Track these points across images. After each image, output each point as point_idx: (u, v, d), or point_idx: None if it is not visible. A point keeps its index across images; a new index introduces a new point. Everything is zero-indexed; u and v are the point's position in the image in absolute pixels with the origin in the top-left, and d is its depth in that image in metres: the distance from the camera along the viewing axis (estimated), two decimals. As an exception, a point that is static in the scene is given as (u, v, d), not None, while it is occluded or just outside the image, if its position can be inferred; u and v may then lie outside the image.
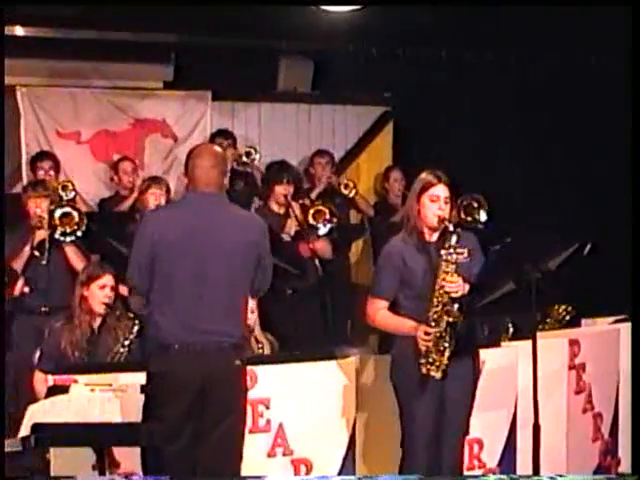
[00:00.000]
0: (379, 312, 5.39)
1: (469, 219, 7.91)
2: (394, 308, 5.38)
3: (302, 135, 9.94)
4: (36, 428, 4.83)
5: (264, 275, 5.21)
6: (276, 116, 9.92)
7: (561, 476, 5.57)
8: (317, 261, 7.85)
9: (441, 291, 5.18)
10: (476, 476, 5.98)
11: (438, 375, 5.19)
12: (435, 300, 5.18)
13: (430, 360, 5.18)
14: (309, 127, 9.99)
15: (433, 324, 5.17)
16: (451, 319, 5.16)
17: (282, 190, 8.06)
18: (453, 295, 5.17)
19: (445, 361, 5.18)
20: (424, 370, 5.20)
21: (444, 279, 5.18)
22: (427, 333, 5.16)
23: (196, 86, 9.69)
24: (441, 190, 5.33)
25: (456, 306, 5.16)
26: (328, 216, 7.98)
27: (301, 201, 8.27)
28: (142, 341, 6.21)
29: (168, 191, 7.86)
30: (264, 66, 9.83)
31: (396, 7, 7.69)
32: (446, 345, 5.17)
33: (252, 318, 6.25)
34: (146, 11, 7.89)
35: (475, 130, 8.99)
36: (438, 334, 5.15)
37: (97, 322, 6.38)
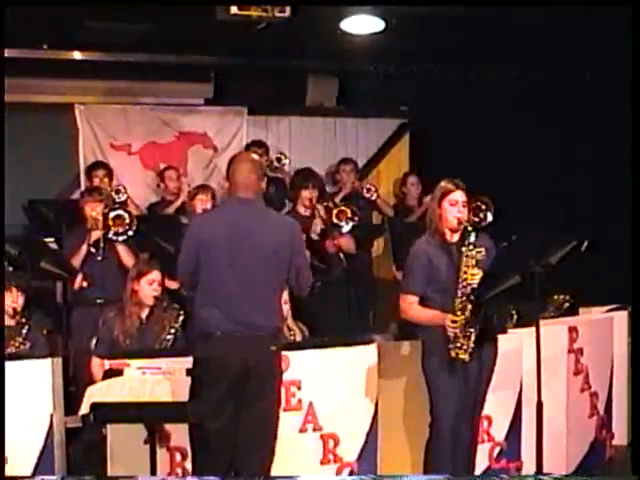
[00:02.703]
0: (412, 306, 5.41)
1: (476, 219, 7.87)
2: (422, 301, 5.40)
3: (328, 145, 9.95)
4: (94, 407, 4.86)
5: (300, 272, 5.17)
6: (305, 128, 9.93)
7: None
8: (342, 256, 7.86)
9: (464, 283, 5.23)
10: (502, 476, 5.95)
11: (466, 357, 5.23)
12: (459, 292, 5.23)
13: (458, 345, 5.22)
14: (334, 138, 10.00)
15: (459, 313, 5.21)
16: (475, 308, 5.20)
17: (308, 194, 8.08)
18: (475, 287, 5.20)
19: (472, 344, 5.22)
20: (453, 354, 5.23)
21: (466, 272, 5.23)
22: (454, 321, 5.20)
23: (233, 102, 9.73)
24: (459, 195, 5.38)
25: (478, 296, 5.19)
26: (350, 215, 7.96)
27: (325, 203, 8.25)
28: (186, 330, 6.24)
29: (214, 197, 7.86)
30: (294, 84, 9.84)
31: (412, 30, 7.68)
32: (472, 330, 5.21)
33: (285, 308, 6.24)
34: (189, 36, 7.93)
35: (483, 139, 8.96)
36: (464, 321, 5.19)
37: (145, 313, 6.39)
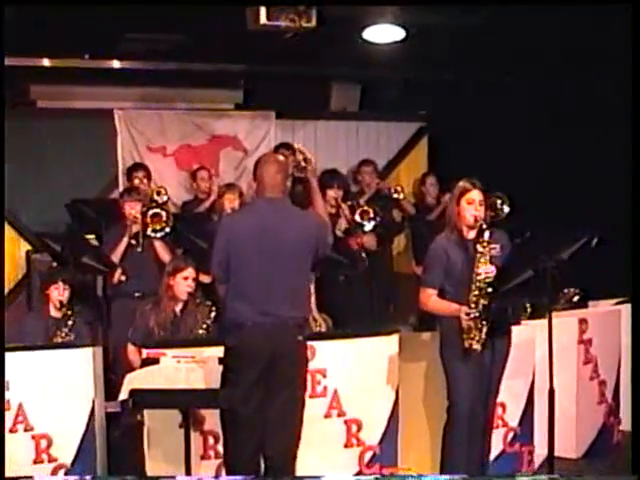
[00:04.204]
0: (430, 299, 5.40)
1: (493, 214, 7.82)
2: (440, 293, 5.39)
3: (351, 147, 9.92)
4: (133, 393, 4.89)
5: (327, 251, 5.24)
6: (329, 132, 9.91)
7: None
8: (364, 253, 7.84)
9: (478, 278, 5.22)
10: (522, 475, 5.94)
11: (478, 348, 5.22)
12: (474, 286, 5.22)
13: (471, 336, 5.21)
14: (357, 141, 9.98)
15: (472, 306, 5.20)
16: (487, 302, 5.18)
17: (333, 194, 8.04)
18: (488, 282, 5.19)
19: (483, 336, 5.20)
20: (466, 344, 5.22)
21: (479, 268, 5.22)
22: (468, 314, 5.19)
23: (262, 107, 9.72)
24: (476, 195, 5.37)
25: (490, 290, 5.18)
26: (372, 215, 7.95)
27: (349, 202, 8.24)
28: (219, 324, 6.22)
29: (241, 195, 7.86)
30: (319, 90, 9.83)
31: (430, 39, 7.67)
32: (484, 323, 5.19)
33: (311, 301, 6.23)
34: (221, 45, 7.95)
35: (497, 141, 8.94)
36: (477, 314, 5.18)
37: (179, 307, 6.38)
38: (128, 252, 7.34)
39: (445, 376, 5.41)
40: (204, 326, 6.24)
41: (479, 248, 5.25)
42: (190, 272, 6.36)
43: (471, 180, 5.43)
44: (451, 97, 9.34)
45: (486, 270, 5.22)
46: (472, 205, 5.34)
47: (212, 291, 6.47)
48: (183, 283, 6.33)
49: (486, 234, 5.25)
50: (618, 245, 6.89)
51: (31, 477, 5.16)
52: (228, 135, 9.65)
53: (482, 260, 5.23)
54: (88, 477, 5.31)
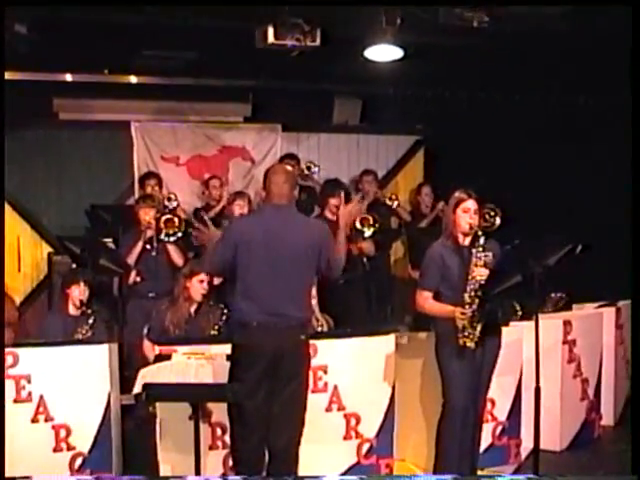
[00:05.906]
0: (427, 301, 5.39)
1: (485, 224, 7.83)
2: (436, 296, 5.39)
3: (352, 158, 9.93)
4: (146, 387, 4.88)
5: (330, 263, 5.13)
6: (332, 143, 9.92)
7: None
8: (364, 258, 7.84)
9: (473, 280, 5.22)
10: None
11: (472, 345, 5.22)
12: (469, 288, 5.21)
13: (466, 334, 5.21)
14: (358, 152, 9.98)
15: (467, 306, 5.20)
16: (481, 302, 5.19)
17: (335, 202, 8.01)
18: (482, 283, 5.20)
19: (477, 334, 5.20)
20: (461, 342, 5.22)
21: (474, 271, 5.22)
22: (463, 313, 5.19)
23: (269, 120, 9.73)
24: (471, 204, 5.37)
25: (484, 292, 5.19)
26: (372, 222, 7.93)
27: (350, 210, 8.22)
28: (229, 326, 6.21)
29: (249, 202, 7.88)
30: (322, 104, 9.85)
31: (427, 58, 7.69)
32: (478, 322, 5.20)
33: (313, 302, 6.24)
34: (230, 62, 7.97)
35: (489, 153, 8.95)
36: (471, 314, 5.18)
37: (194, 308, 6.38)
38: (143, 255, 7.36)
39: (440, 374, 5.39)
40: (216, 327, 6.23)
41: (474, 252, 5.26)
42: (205, 275, 6.36)
43: (467, 190, 5.44)
44: (446, 112, 9.36)
45: (481, 273, 5.22)
46: (467, 214, 5.35)
47: (225, 294, 6.48)
48: (198, 285, 6.34)
49: (482, 240, 5.26)
50: (601, 252, 6.92)
51: (30, 477, 5.10)
52: (237, 146, 9.66)
53: (477, 264, 5.23)
54: (91, 477, 5.33)
